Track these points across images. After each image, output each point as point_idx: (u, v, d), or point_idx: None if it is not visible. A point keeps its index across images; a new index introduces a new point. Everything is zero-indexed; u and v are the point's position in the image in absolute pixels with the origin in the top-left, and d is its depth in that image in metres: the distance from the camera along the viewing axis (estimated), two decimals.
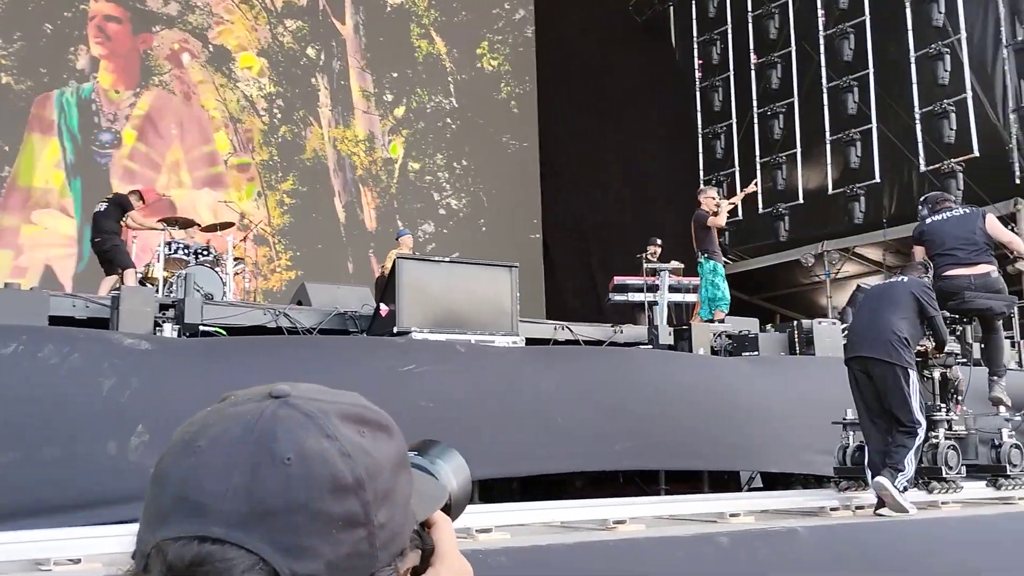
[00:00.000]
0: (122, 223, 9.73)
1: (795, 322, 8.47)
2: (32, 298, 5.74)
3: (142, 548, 0.67)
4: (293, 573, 0.63)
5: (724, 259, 10.20)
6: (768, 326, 9.45)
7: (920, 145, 13.92)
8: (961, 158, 13.36)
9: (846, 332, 6.57)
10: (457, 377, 5.71)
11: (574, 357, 6.68)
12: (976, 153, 13.23)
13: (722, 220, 10.18)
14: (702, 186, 12.01)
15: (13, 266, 13.10)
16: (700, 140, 17.33)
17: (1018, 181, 13.34)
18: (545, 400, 5.85)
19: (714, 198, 10.42)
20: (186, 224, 10.37)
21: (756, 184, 11.09)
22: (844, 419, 6.04)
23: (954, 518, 5.35)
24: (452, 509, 0.85)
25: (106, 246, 9.39)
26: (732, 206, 11.34)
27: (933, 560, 4.95)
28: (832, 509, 5.27)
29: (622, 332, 8.00)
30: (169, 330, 5.90)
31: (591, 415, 5.91)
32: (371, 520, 0.67)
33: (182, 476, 0.66)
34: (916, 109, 14.03)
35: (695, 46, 17.45)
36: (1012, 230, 13.51)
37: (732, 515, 4.89)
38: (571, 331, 7.76)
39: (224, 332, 6.29)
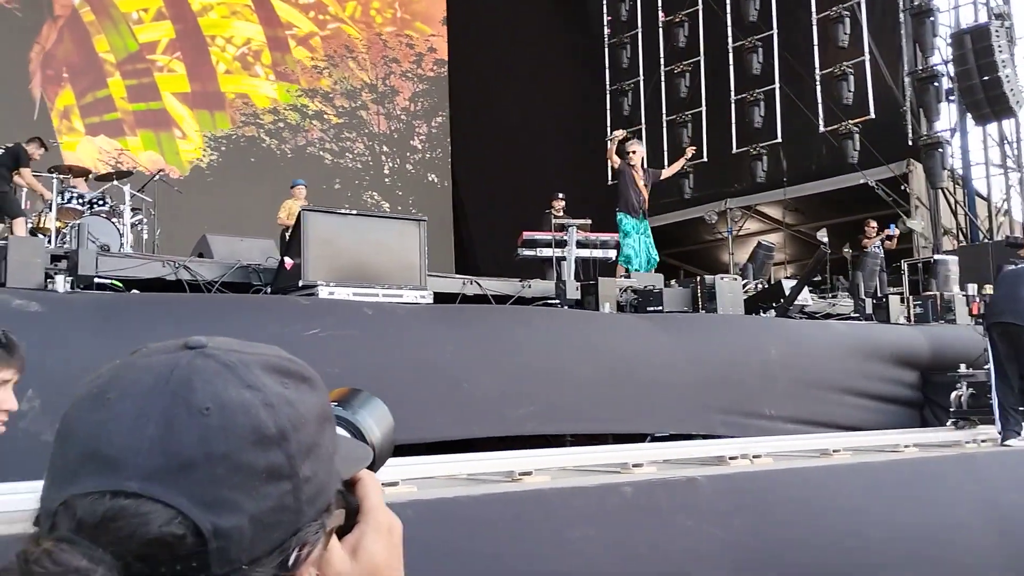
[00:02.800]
0: (14, 173, 9.17)
1: (698, 278, 8.65)
2: None
3: (47, 507, 0.63)
4: (215, 527, 0.60)
5: (637, 214, 10.23)
6: (672, 281, 9.62)
7: (820, 106, 14.29)
8: (858, 120, 13.78)
9: (987, 304, 7.76)
10: (363, 342, 5.62)
11: (480, 319, 6.65)
12: (872, 115, 13.66)
13: (612, 161, 10.45)
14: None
15: None
16: (608, 97, 17.42)
17: (911, 143, 13.83)
18: (451, 365, 5.82)
19: (635, 152, 10.45)
20: (80, 173, 9.94)
21: (691, 151, 11.39)
22: (958, 372, 7.48)
23: (844, 465, 5.58)
24: (376, 460, 0.83)
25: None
26: (671, 173, 11.34)
27: (826, 504, 5.16)
28: (731, 458, 5.43)
29: (530, 287, 8.03)
30: (61, 282, 5.65)
31: (496, 379, 5.91)
32: (296, 473, 0.64)
33: (90, 430, 0.63)
34: (817, 71, 14.37)
35: (604, 3, 17.45)
36: (903, 190, 14.07)
37: (635, 465, 5.00)
38: (479, 285, 7.76)
39: (120, 284, 6.08)
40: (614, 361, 6.58)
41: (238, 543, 0.61)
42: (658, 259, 10.38)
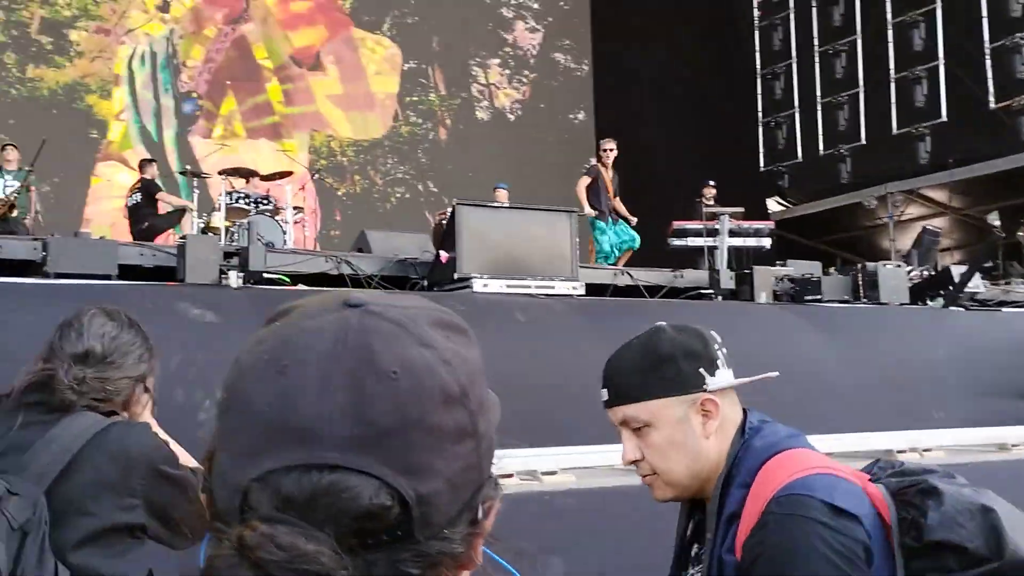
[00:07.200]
0: (157, 203, 9.91)
1: (859, 265, 8.31)
2: (102, 247, 5.85)
3: (234, 482, 0.60)
4: (417, 494, 0.59)
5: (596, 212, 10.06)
6: (831, 269, 9.29)
7: (990, 81, 13.48)
8: None
9: None
10: (515, 350, 5.60)
11: (633, 321, 6.54)
12: None
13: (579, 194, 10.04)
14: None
15: (81, 218, 13.37)
16: (759, 81, 16.96)
17: None
18: (600, 373, 5.74)
19: (611, 150, 10.25)
20: (247, 174, 10.46)
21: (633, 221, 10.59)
22: None
23: None
24: None
25: (149, 233, 9.55)
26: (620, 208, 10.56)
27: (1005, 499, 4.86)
28: (899, 452, 5.20)
29: (683, 277, 7.91)
30: (234, 278, 5.96)
31: None
32: (477, 430, 0.64)
33: (273, 400, 0.60)
34: (986, 44, 13.56)
35: None
36: None
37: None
38: (631, 276, 7.71)
39: (287, 279, 6.36)
40: (768, 363, 6.32)
41: (437, 507, 0.61)
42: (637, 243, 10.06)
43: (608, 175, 10.25)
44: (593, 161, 10.62)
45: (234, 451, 0.61)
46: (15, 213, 8.78)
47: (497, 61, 17.38)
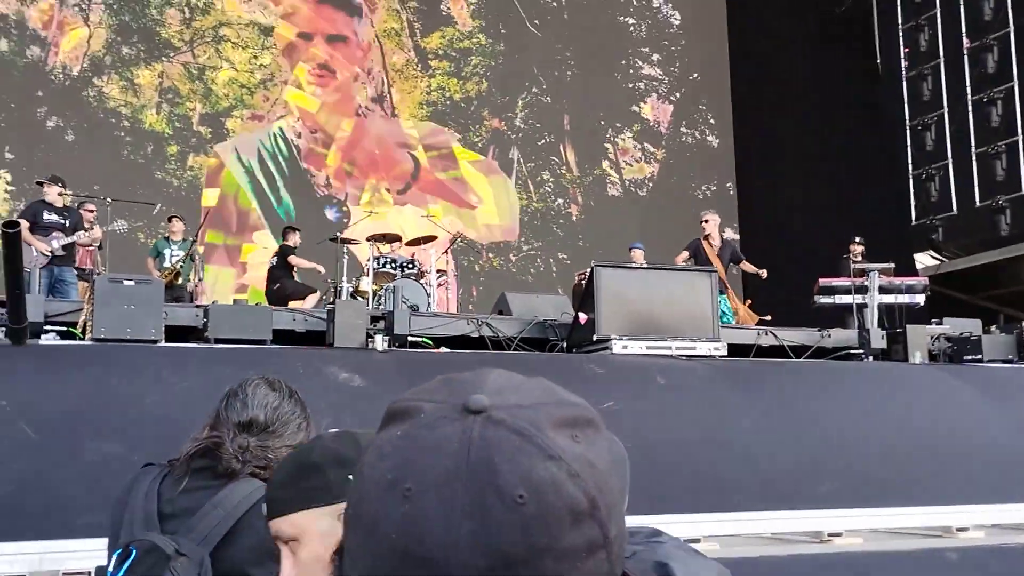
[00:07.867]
0: (289, 266, 10.48)
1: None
2: (257, 313, 6.15)
3: None
4: None
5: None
6: (993, 327, 8.79)
7: None
8: None
9: None
10: (657, 415, 5.50)
11: (777, 384, 6.36)
12: None
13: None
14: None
15: (236, 284, 14.10)
16: (908, 133, 16.41)
17: None
18: (747, 439, 5.57)
19: (707, 222, 10.36)
20: (392, 239, 10.82)
21: (763, 273, 10.56)
22: None
23: None
24: None
25: (281, 294, 10.03)
26: (746, 269, 10.87)
27: None
28: None
29: (830, 336, 7.66)
30: (380, 342, 6.15)
31: (795, 453, 5.60)
32: (608, 538, 0.62)
33: (397, 525, 0.60)
34: None
35: (900, 34, 16.56)
36: None
37: (960, 529, 4.59)
38: (775, 336, 7.52)
39: (431, 342, 6.51)
40: (925, 428, 6.02)
41: None
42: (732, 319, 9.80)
43: (712, 246, 10.29)
44: None
45: (362, 569, 0.62)
46: (179, 280, 9.37)
47: (629, 135, 17.46)
